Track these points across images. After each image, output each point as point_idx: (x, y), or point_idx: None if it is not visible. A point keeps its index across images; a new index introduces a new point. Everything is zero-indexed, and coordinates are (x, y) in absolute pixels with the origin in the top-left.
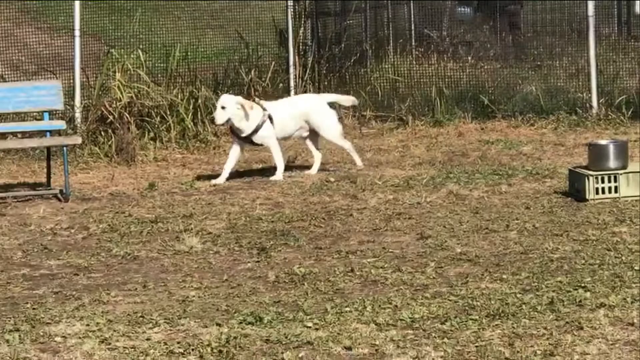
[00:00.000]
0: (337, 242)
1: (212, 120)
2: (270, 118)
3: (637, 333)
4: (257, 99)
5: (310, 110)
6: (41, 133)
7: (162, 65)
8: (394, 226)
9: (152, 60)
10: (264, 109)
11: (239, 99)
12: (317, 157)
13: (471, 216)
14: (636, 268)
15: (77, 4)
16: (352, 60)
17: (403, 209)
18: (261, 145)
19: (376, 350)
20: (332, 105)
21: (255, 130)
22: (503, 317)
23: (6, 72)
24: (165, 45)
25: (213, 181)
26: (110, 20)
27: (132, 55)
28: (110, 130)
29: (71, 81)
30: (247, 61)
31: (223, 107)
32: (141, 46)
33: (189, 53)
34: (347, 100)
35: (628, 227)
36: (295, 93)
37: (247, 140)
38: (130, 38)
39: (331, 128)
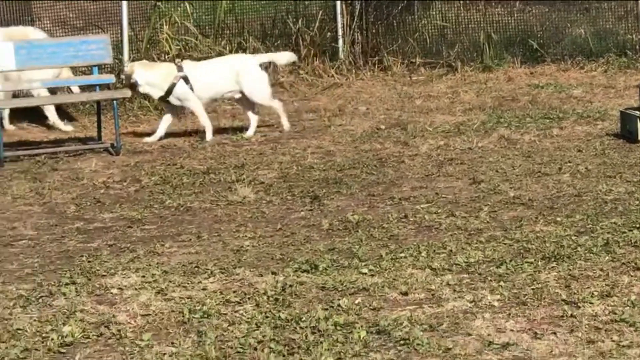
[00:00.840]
0: (390, 188)
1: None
2: (185, 79)
3: None
4: (178, 60)
5: (240, 71)
6: (90, 87)
7: (209, 17)
8: (446, 172)
9: (198, 13)
10: (180, 70)
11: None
12: (252, 120)
13: (523, 160)
14: None
15: None
16: (399, 8)
17: (455, 154)
18: (183, 106)
19: (432, 295)
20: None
21: (168, 92)
22: (558, 260)
23: (54, 29)
24: None
25: (146, 139)
26: None
27: (178, 8)
28: None
29: (119, 35)
30: (294, 11)
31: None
32: None
33: (235, 4)
34: (283, 57)
35: None
36: (344, 42)
37: (165, 102)
38: None
39: (260, 91)
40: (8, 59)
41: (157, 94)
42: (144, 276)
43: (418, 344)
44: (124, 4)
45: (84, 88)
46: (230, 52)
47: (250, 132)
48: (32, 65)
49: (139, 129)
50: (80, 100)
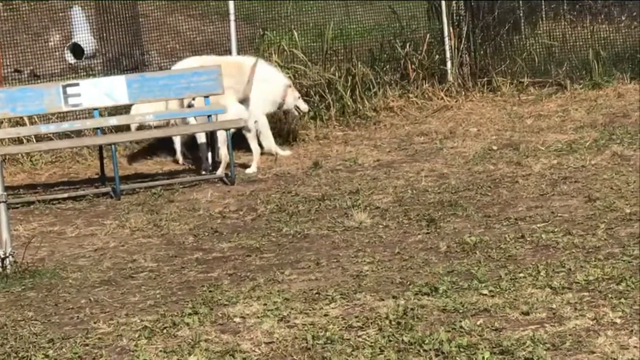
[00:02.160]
0: (505, 209)
1: None
2: None
3: None
4: None
5: None
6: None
7: (315, 44)
8: (561, 190)
9: (305, 40)
10: None
11: None
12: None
13: (637, 176)
14: None
15: None
16: (506, 28)
17: (568, 172)
18: None
19: (554, 314)
20: None
21: None
22: None
23: (162, 61)
24: (317, 24)
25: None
26: (260, 2)
27: (286, 36)
28: None
29: None
30: (400, 35)
31: None
32: (293, 27)
33: (343, 30)
34: None
35: None
36: (452, 64)
37: None
38: (281, 19)
39: None
40: (120, 93)
41: None
42: (265, 304)
43: None
44: (233, 34)
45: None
46: (340, 78)
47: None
48: (145, 98)
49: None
50: (194, 132)
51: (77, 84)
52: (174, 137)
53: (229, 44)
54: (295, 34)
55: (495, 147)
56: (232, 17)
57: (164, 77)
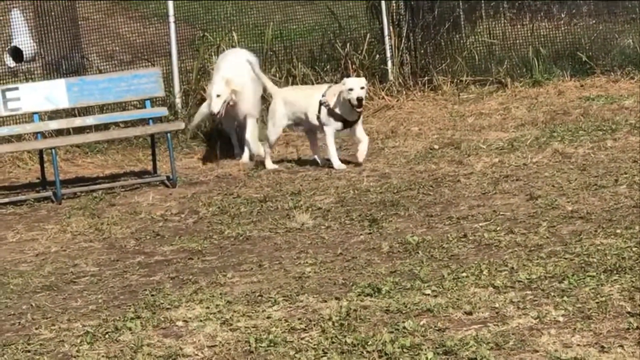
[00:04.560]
0: (447, 208)
1: None
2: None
3: None
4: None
5: None
6: (144, 121)
7: (256, 45)
8: (503, 189)
9: (245, 42)
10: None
11: None
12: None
13: (579, 174)
14: None
15: None
16: (446, 27)
17: (510, 171)
18: None
19: (497, 312)
20: None
21: None
22: (621, 272)
23: (102, 64)
24: (257, 25)
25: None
26: (200, 4)
27: (226, 38)
28: None
29: (167, 68)
30: (340, 35)
31: None
32: (233, 28)
33: (282, 31)
34: None
35: None
36: (393, 64)
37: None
38: (221, 21)
39: None
40: (60, 96)
41: None
42: (208, 307)
43: None
44: (173, 35)
45: (136, 122)
46: (280, 78)
47: None
48: (85, 101)
49: (193, 160)
50: (135, 135)
51: (17, 88)
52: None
53: (169, 46)
54: (235, 35)
55: (436, 146)
56: (171, 19)
57: (104, 80)
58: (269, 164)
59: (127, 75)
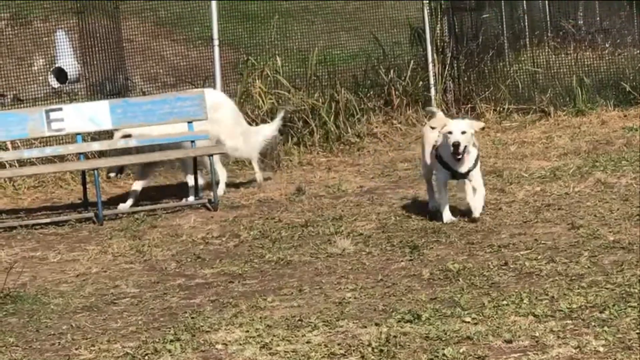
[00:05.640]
0: (489, 236)
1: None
2: None
3: None
4: None
5: None
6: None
7: (299, 70)
8: (544, 217)
9: (289, 66)
10: None
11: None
12: None
13: (621, 204)
14: None
15: (214, 13)
16: (490, 55)
17: (552, 200)
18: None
19: (537, 342)
20: None
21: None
22: None
23: (145, 86)
24: (301, 50)
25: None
26: (244, 28)
27: (269, 62)
28: None
29: None
30: (384, 61)
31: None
32: (277, 52)
33: (326, 56)
34: None
35: None
36: (436, 90)
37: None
38: (265, 45)
39: None
40: (104, 118)
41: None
42: (247, 331)
43: None
44: (217, 59)
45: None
46: (323, 104)
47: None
48: (128, 123)
49: (235, 183)
50: (177, 157)
51: (61, 109)
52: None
53: (212, 69)
54: (279, 59)
55: None
56: (215, 42)
57: (147, 102)
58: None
59: (170, 97)
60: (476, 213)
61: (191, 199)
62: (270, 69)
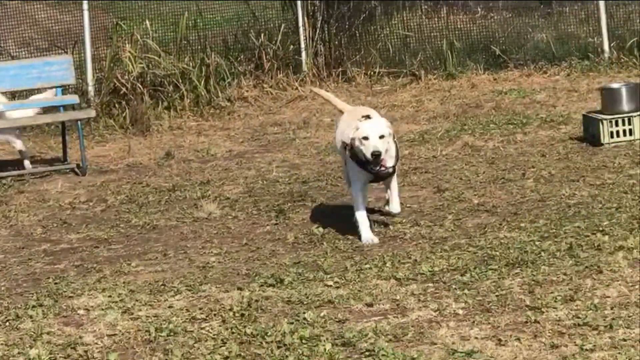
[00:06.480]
0: None
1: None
2: None
3: None
4: None
5: None
6: (54, 108)
7: (172, 34)
8: (411, 181)
9: (162, 30)
10: None
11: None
12: None
13: (487, 167)
14: None
15: None
16: (361, 18)
17: (419, 163)
18: None
19: (397, 305)
20: None
21: None
22: (522, 266)
23: (18, 50)
24: (176, 14)
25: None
26: None
27: (141, 26)
28: (124, 102)
29: (82, 55)
30: (255, 25)
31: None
32: (151, 16)
33: (197, 20)
34: None
35: None
36: (307, 54)
37: None
38: (138, 9)
39: None
40: None
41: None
42: (110, 296)
43: (383, 355)
44: (86, 23)
45: (47, 109)
46: (194, 68)
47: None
48: None
49: (104, 148)
50: (45, 122)
51: None
52: None
53: (83, 33)
54: (148, 23)
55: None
56: (85, 6)
57: (14, 66)
58: None
59: (38, 62)
60: (397, 209)
61: (27, 162)
62: (142, 33)
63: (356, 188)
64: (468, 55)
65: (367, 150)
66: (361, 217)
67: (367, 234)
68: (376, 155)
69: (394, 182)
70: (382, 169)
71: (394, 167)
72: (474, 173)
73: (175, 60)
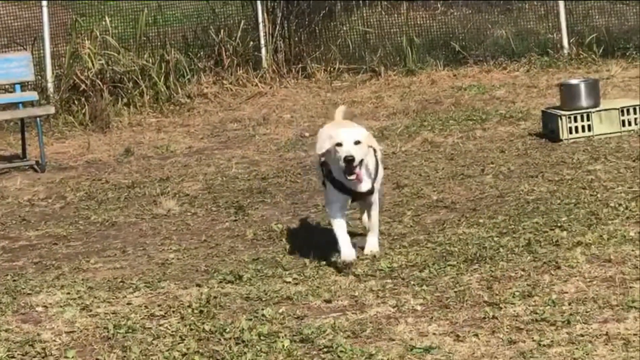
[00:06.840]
0: (314, 196)
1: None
2: None
3: (613, 269)
4: None
5: None
6: (14, 105)
7: (131, 31)
8: None
9: (121, 27)
10: None
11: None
12: None
13: (446, 163)
14: (611, 205)
15: None
16: (321, 14)
17: None
18: None
19: (356, 301)
20: None
21: None
22: (481, 261)
23: None
24: (135, 10)
25: None
26: None
27: (100, 23)
28: (83, 99)
29: (41, 52)
30: (214, 21)
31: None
32: (111, 13)
33: (157, 17)
34: None
35: (602, 164)
36: (266, 51)
37: None
38: (98, 5)
39: None
40: None
41: None
42: (69, 293)
43: (341, 351)
44: (45, 19)
45: (6, 106)
46: (154, 64)
47: None
48: None
49: (64, 145)
50: (4, 119)
51: None
52: None
53: (42, 30)
54: (108, 20)
55: (307, 134)
56: (44, 3)
57: None
58: None
59: None
60: (374, 247)
61: None
62: (100, 29)
63: (334, 210)
64: (428, 52)
65: (340, 156)
66: (341, 235)
67: (346, 250)
68: (349, 160)
69: (375, 211)
70: (357, 180)
71: (372, 185)
72: (433, 169)
73: (135, 57)
